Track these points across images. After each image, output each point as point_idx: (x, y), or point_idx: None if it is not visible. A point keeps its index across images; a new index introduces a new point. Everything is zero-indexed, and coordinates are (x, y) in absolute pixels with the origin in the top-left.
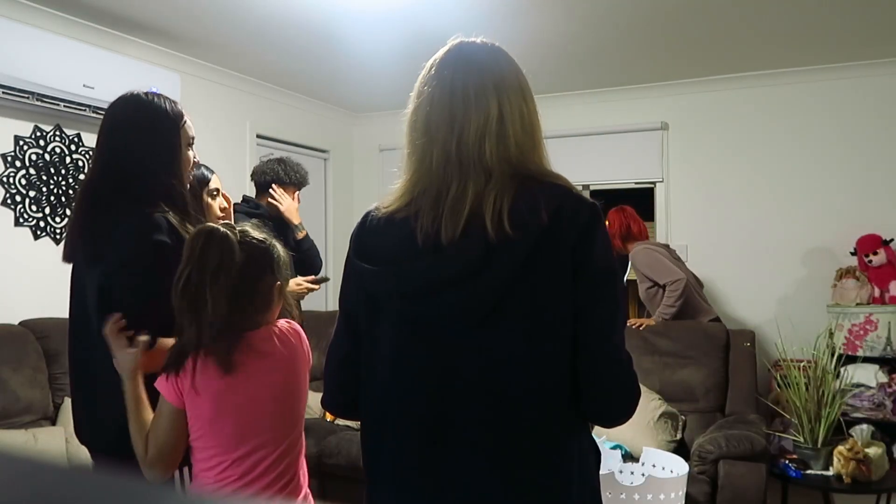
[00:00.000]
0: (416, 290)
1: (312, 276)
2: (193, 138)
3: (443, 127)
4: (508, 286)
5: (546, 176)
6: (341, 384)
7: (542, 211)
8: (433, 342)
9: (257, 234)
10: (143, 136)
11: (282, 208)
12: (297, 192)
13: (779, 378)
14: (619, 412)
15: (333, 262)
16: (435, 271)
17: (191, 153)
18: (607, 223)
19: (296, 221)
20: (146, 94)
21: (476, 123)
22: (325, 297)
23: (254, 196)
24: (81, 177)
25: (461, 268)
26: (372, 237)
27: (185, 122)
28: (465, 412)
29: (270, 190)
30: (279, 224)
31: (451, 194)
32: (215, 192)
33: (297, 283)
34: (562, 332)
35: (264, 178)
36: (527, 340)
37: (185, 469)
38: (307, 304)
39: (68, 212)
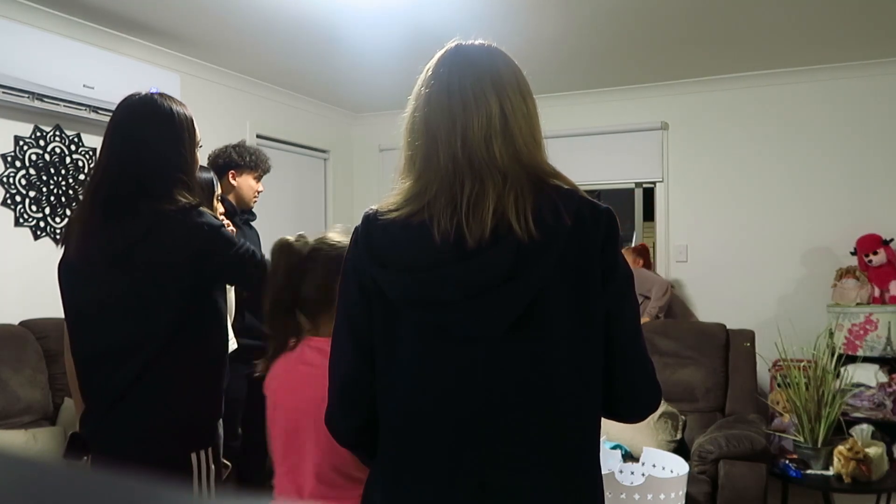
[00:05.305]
0: (446, 298)
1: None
2: (200, 139)
3: (443, 127)
4: (542, 289)
5: (554, 177)
6: (353, 404)
7: (564, 214)
8: (467, 351)
9: (336, 237)
10: (164, 136)
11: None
12: (254, 177)
13: (779, 378)
14: (649, 407)
15: None
16: (466, 277)
17: (198, 154)
18: None
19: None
20: (159, 94)
21: (478, 123)
22: None
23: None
24: (81, 177)
25: (494, 272)
26: (387, 242)
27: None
28: (514, 422)
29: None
30: (231, 210)
31: (467, 194)
32: (219, 196)
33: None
34: (596, 335)
35: (217, 161)
36: (566, 345)
37: (202, 452)
38: None
39: (68, 212)
